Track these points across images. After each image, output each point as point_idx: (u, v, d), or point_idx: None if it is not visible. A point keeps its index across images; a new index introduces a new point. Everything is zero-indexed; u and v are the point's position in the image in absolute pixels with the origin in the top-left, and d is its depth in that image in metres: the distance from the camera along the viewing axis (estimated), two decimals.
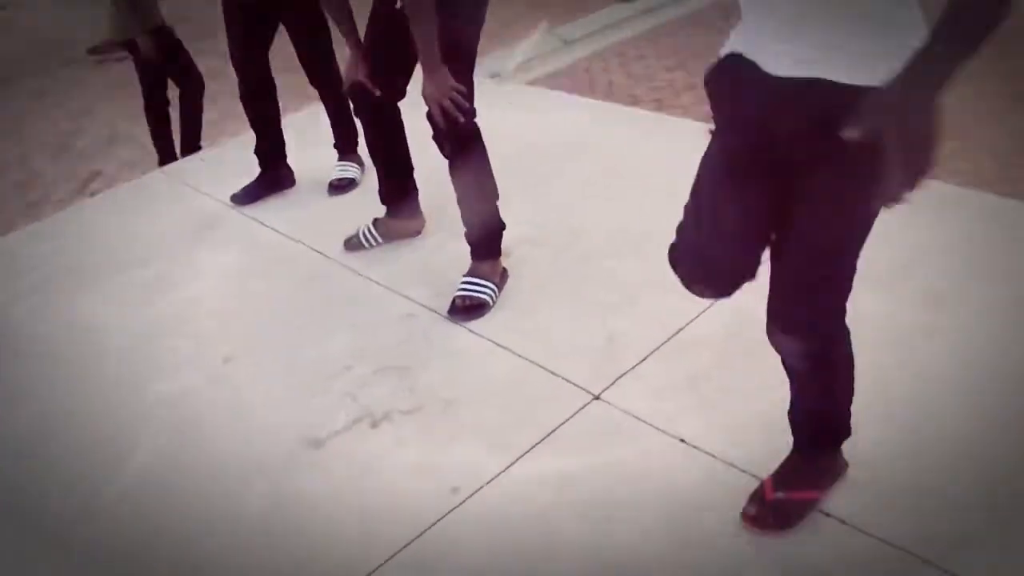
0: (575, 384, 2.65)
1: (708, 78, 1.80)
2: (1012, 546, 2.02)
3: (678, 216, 1.96)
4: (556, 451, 2.45)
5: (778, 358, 2.01)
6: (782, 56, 1.62)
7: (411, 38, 2.70)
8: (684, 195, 1.93)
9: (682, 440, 2.41)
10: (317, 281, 3.33)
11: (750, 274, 1.90)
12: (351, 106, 3.18)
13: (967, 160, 3.66)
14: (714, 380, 2.59)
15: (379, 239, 3.47)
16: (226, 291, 3.36)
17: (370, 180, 3.70)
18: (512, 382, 2.72)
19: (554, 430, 2.50)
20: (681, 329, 2.80)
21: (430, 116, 2.82)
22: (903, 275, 2.91)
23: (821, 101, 1.58)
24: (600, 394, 2.61)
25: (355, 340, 2.98)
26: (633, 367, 2.69)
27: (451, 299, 3.03)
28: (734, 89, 1.76)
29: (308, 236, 3.61)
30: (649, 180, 3.62)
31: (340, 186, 3.96)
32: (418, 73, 2.76)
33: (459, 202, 3.04)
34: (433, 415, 2.63)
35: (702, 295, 2.05)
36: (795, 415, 2.12)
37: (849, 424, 2.12)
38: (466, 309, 3.01)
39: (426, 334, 2.98)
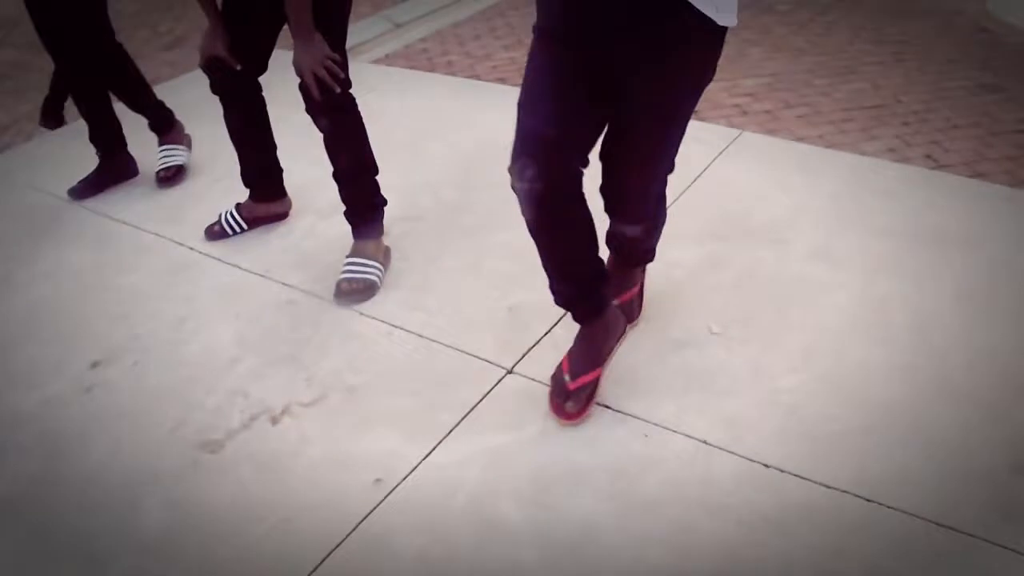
0: (485, 360, 2.54)
1: None
2: (928, 474, 2.09)
3: None
4: (478, 430, 2.32)
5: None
6: None
7: (274, 4, 2.54)
8: None
9: (607, 406, 2.35)
10: (183, 274, 3.05)
11: (580, 158, 2.07)
12: (210, 82, 2.90)
13: (814, 127, 3.83)
14: (627, 341, 2.53)
15: (244, 225, 3.23)
16: (82, 290, 3.01)
17: (224, 163, 3.42)
18: (418, 363, 2.57)
19: (472, 409, 2.38)
20: None
21: (303, 87, 2.64)
22: (788, 233, 2.96)
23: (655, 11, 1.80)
24: (513, 367, 2.50)
25: (237, 332, 2.75)
26: (543, 336, 2.60)
27: (336, 283, 2.85)
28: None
29: (164, 227, 3.31)
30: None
31: (168, 177, 3.60)
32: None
33: (336, 178, 2.86)
34: (338, 405, 2.45)
35: (526, 177, 2.14)
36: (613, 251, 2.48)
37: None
38: (354, 292, 2.83)
39: (314, 321, 2.78)
